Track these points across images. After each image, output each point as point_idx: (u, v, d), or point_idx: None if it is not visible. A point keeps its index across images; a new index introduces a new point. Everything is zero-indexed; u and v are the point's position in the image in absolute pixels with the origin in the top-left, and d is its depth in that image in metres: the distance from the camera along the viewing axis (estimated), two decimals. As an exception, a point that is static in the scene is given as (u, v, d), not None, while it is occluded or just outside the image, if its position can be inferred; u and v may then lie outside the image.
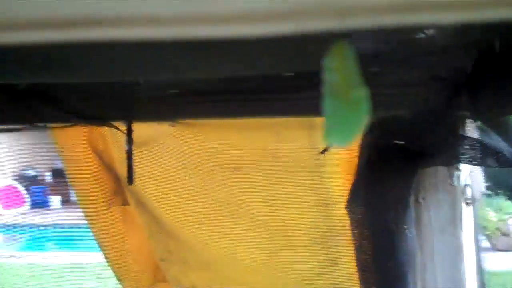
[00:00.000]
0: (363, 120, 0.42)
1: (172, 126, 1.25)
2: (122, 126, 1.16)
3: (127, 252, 1.94)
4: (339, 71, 0.44)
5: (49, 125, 1.41)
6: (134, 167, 1.16)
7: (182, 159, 1.62)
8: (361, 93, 0.44)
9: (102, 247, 1.87)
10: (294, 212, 1.67)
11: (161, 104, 1.06)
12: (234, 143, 1.59)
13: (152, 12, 0.40)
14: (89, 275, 9.97)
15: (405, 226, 1.08)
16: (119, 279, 1.91)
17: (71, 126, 1.24)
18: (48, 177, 21.36)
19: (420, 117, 1.04)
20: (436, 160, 1.15)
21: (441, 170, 1.20)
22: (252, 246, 1.74)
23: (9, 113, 1.11)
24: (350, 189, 1.31)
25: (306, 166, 1.59)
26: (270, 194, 1.68)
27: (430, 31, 0.98)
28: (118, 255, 1.93)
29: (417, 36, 0.98)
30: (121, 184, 1.82)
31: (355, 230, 1.26)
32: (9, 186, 19.89)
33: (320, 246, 1.66)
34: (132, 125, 1.12)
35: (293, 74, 1.04)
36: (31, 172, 20.98)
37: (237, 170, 1.62)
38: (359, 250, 1.26)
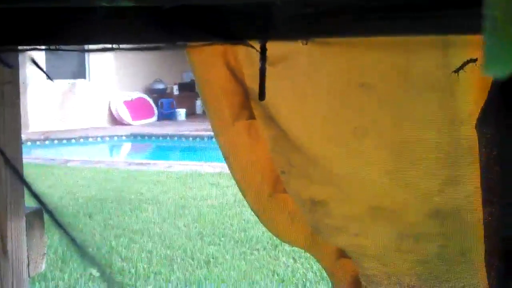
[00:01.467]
0: None
1: (304, 44, 1.27)
2: (257, 45, 1.19)
3: (250, 163, 2.02)
4: (500, 7, 0.45)
5: (188, 44, 1.48)
6: (265, 84, 1.20)
7: (312, 77, 1.64)
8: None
9: (227, 157, 1.97)
10: (420, 130, 1.65)
11: (295, 23, 1.07)
12: (362, 61, 1.58)
13: None
14: (209, 183, 10.52)
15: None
16: (240, 187, 2.02)
17: (208, 45, 1.30)
18: (175, 90, 22.31)
19: None
20: None
21: None
22: (376, 164, 1.75)
23: (153, 32, 1.18)
24: (483, 107, 1.27)
25: (436, 84, 1.56)
26: (396, 112, 1.67)
27: None
28: (242, 166, 2.02)
29: None
30: (249, 98, 1.88)
31: (483, 150, 1.24)
32: (139, 98, 21.06)
33: (443, 164, 1.64)
34: (266, 43, 1.15)
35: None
36: (160, 86, 22.01)
37: (362, 86, 1.62)
38: (486, 170, 1.24)
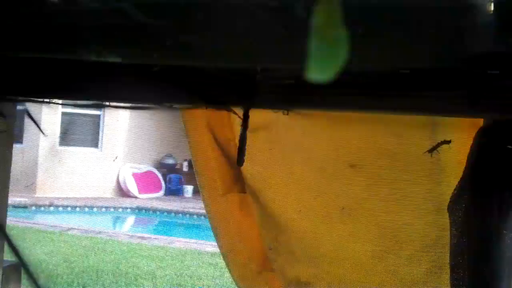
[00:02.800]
0: (342, 56, 0.45)
1: (286, 114, 1.30)
2: (239, 111, 1.23)
3: (239, 238, 2.01)
4: (324, 14, 0.49)
5: (175, 105, 1.52)
6: (249, 151, 1.23)
7: (293, 148, 1.67)
8: (341, 33, 0.48)
9: (215, 229, 1.97)
10: (406, 215, 1.65)
11: (278, 93, 1.11)
12: (350, 139, 1.61)
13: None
14: (208, 263, 10.35)
15: (505, 232, 1.04)
16: (226, 261, 1.99)
17: (195, 108, 1.34)
18: (185, 166, 22.40)
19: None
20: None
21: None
22: (361, 245, 1.74)
23: (143, 92, 1.22)
24: (455, 190, 1.28)
25: (423, 169, 1.57)
26: (384, 195, 1.68)
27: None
28: (230, 240, 2.01)
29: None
30: (241, 172, 1.90)
31: (453, 231, 1.24)
32: (148, 172, 21.13)
33: (428, 253, 1.63)
34: (249, 111, 1.18)
35: (408, 71, 1.04)
36: (170, 161, 22.13)
37: (352, 167, 1.63)
38: (455, 251, 1.23)
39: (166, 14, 0.96)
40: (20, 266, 1.69)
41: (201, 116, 1.73)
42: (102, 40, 0.95)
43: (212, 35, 0.95)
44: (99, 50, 0.95)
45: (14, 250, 1.04)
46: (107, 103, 1.28)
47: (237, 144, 1.78)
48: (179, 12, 0.95)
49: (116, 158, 19.67)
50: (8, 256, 1.42)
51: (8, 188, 1.55)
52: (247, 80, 1.10)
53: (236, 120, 1.68)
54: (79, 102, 1.35)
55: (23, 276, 1.61)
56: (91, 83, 1.27)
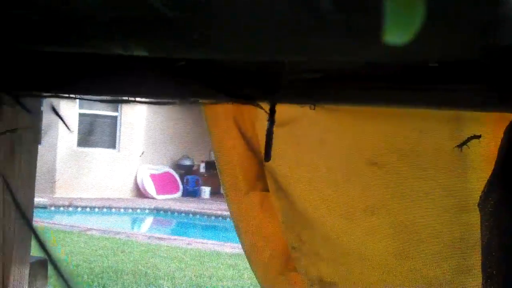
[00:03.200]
0: (419, 18, 0.44)
1: (312, 109, 1.28)
2: (266, 106, 1.21)
3: (261, 238, 1.99)
4: None
5: (200, 101, 1.51)
6: (272, 146, 1.22)
7: (317, 144, 1.65)
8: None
9: (238, 230, 1.95)
10: (429, 213, 1.62)
11: (304, 87, 1.09)
12: (373, 136, 1.58)
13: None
14: (227, 264, 10.36)
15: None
16: (250, 264, 1.98)
17: (219, 103, 1.33)
18: (202, 168, 22.45)
19: None
20: None
21: None
22: (385, 244, 1.72)
23: (166, 87, 1.21)
24: (485, 186, 1.25)
25: (448, 166, 1.54)
26: (407, 193, 1.65)
27: None
28: (252, 239, 1.99)
29: None
30: (264, 169, 1.88)
31: (484, 229, 1.21)
32: (166, 173, 21.22)
33: (452, 252, 1.59)
34: (275, 105, 1.17)
35: (437, 64, 1.02)
36: (187, 162, 22.20)
37: (374, 165, 1.61)
38: (486, 248, 1.20)
39: (190, 7, 0.95)
40: (47, 262, 1.69)
41: (225, 111, 1.71)
42: (128, 34, 0.94)
43: (236, 28, 0.94)
44: (125, 43, 0.95)
45: (42, 246, 1.04)
46: (129, 98, 1.27)
47: (262, 140, 1.77)
48: (203, 5, 0.94)
49: (143, 153, 19.73)
50: (35, 253, 1.42)
51: (34, 184, 1.56)
52: (272, 74, 1.09)
53: (259, 115, 1.66)
54: (98, 97, 1.35)
55: (50, 273, 1.61)
56: (114, 78, 1.26)
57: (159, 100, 1.34)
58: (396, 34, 0.47)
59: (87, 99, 1.34)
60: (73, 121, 18.32)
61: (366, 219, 1.70)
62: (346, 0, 0.85)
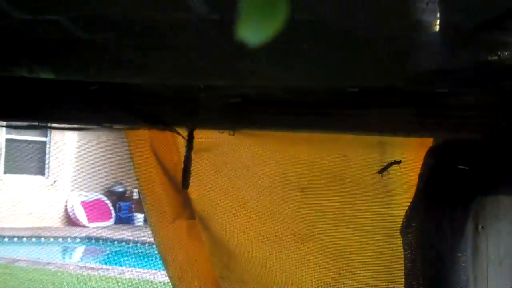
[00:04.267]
0: (279, 19, 0.41)
1: (232, 135, 1.26)
2: (184, 132, 1.18)
3: (189, 266, 1.94)
4: None
5: (115, 126, 1.45)
6: (196, 173, 1.18)
7: (240, 171, 1.62)
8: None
9: (164, 257, 1.89)
10: (359, 239, 1.62)
11: (222, 112, 1.06)
12: (299, 161, 1.57)
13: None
14: (161, 294, 10.14)
15: (459, 254, 1.02)
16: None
17: (137, 129, 1.28)
18: (135, 194, 22.00)
19: (490, 141, 0.99)
20: (499, 188, 1.08)
21: (503, 198, 1.12)
22: (314, 271, 1.70)
23: (80, 112, 1.15)
24: (407, 212, 1.26)
25: (373, 191, 1.54)
26: (335, 218, 1.64)
27: (504, 53, 0.93)
28: (180, 269, 1.94)
29: (490, 58, 0.93)
30: (188, 196, 1.83)
31: (407, 255, 1.21)
32: (98, 200, 20.67)
33: (385, 277, 1.59)
34: (194, 131, 1.13)
35: (357, 90, 1.02)
36: (119, 188, 21.70)
37: (302, 190, 1.60)
38: (409, 275, 1.20)
39: (104, 28, 0.91)
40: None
41: (145, 137, 1.66)
42: (33, 54, 0.89)
43: (152, 51, 0.90)
44: (30, 65, 0.89)
45: None
46: (44, 124, 1.20)
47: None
48: (118, 27, 0.89)
49: (55, 183, 19.17)
50: None
51: None
52: (190, 99, 1.06)
53: (181, 141, 1.62)
54: (13, 123, 1.28)
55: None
56: (29, 104, 1.20)
57: (76, 126, 1.28)
58: (253, 32, 0.44)
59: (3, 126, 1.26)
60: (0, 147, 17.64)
61: (294, 246, 1.68)
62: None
